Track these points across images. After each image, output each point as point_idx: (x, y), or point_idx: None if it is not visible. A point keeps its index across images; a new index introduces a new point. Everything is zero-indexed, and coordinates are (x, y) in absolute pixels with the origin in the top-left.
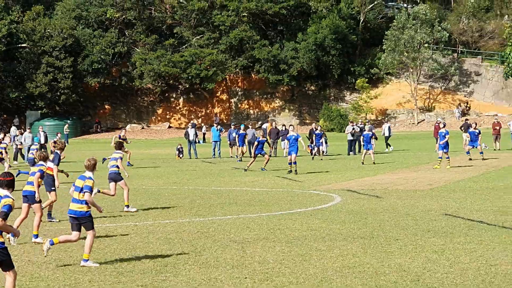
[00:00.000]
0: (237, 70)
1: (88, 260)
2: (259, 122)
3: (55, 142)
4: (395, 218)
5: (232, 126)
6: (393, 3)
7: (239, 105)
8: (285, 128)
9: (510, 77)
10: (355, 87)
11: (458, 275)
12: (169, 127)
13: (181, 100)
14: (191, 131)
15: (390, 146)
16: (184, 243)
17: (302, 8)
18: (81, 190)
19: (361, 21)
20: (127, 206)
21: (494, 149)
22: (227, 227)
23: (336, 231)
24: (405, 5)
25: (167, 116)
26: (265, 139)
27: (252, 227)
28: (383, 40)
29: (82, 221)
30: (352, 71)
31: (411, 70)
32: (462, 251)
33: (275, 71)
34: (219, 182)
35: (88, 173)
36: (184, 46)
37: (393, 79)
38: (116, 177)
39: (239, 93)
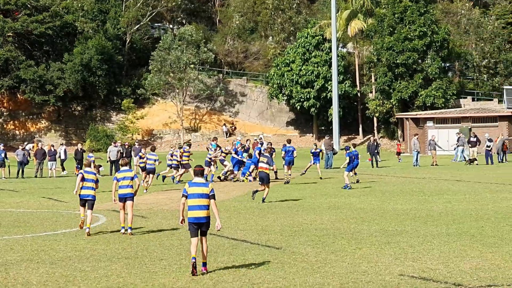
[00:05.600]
0: (3, 90)
1: None
2: (25, 143)
3: None
4: (160, 238)
5: (1, 147)
6: (159, 24)
7: (5, 126)
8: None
9: (274, 98)
10: (122, 107)
11: None
12: None
13: None
14: None
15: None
16: None
17: (68, 29)
18: None
19: (127, 41)
20: None
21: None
22: None
23: (101, 252)
24: (171, 26)
25: None
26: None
27: (16, 249)
28: (149, 61)
29: None
30: (118, 91)
31: (177, 91)
32: (226, 270)
33: (41, 92)
34: None
35: None
36: None
37: (160, 100)
38: None
39: (5, 113)
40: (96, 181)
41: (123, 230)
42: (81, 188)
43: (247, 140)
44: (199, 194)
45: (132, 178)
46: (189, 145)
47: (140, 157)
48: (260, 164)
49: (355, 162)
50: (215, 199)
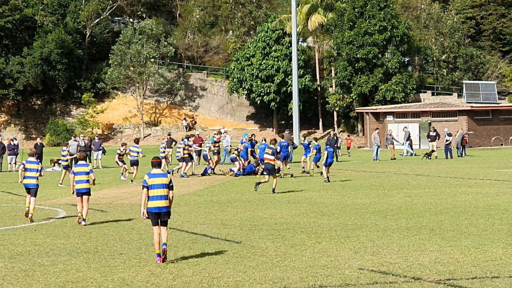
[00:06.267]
0: None
1: None
2: None
3: None
4: (120, 232)
5: None
6: (119, 18)
7: None
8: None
9: (234, 92)
10: (82, 101)
11: None
12: None
13: None
14: None
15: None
16: None
17: (28, 23)
18: None
19: (88, 35)
20: None
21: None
22: None
23: (60, 246)
24: (131, 20)
25: None
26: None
27: None
28: (110, 55)
29: None
30: (78, 85)
31: (138, 85)
32: (186, 264)
33: (1, 86)
34: None
35: None
36: None
37: (120, 94)
38: None
39: None
40: (40, 170)
41: (82, 222)
42: (24, 178)
43: (252, 135)
44: (160, 185)
45: (87, 173)
46: (188, 138)
47: (119, 154)
48: (265, 156)
49: (318, 155)
50: (173, 190)
